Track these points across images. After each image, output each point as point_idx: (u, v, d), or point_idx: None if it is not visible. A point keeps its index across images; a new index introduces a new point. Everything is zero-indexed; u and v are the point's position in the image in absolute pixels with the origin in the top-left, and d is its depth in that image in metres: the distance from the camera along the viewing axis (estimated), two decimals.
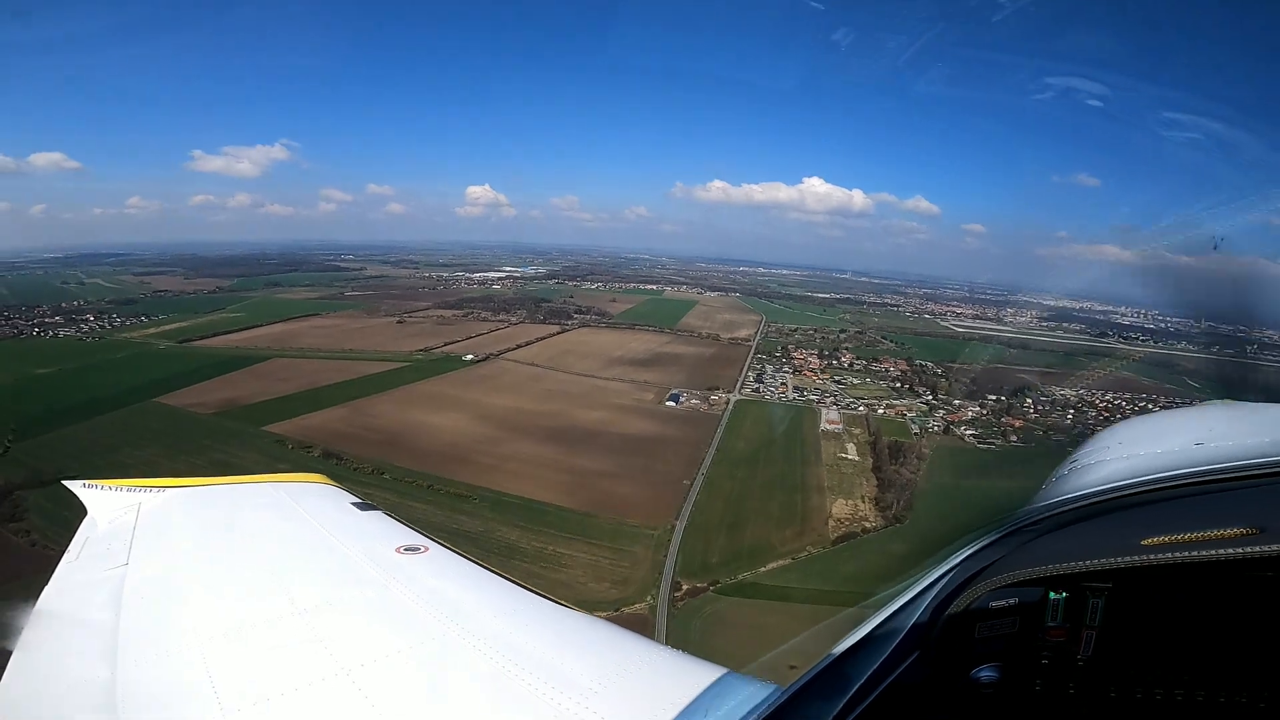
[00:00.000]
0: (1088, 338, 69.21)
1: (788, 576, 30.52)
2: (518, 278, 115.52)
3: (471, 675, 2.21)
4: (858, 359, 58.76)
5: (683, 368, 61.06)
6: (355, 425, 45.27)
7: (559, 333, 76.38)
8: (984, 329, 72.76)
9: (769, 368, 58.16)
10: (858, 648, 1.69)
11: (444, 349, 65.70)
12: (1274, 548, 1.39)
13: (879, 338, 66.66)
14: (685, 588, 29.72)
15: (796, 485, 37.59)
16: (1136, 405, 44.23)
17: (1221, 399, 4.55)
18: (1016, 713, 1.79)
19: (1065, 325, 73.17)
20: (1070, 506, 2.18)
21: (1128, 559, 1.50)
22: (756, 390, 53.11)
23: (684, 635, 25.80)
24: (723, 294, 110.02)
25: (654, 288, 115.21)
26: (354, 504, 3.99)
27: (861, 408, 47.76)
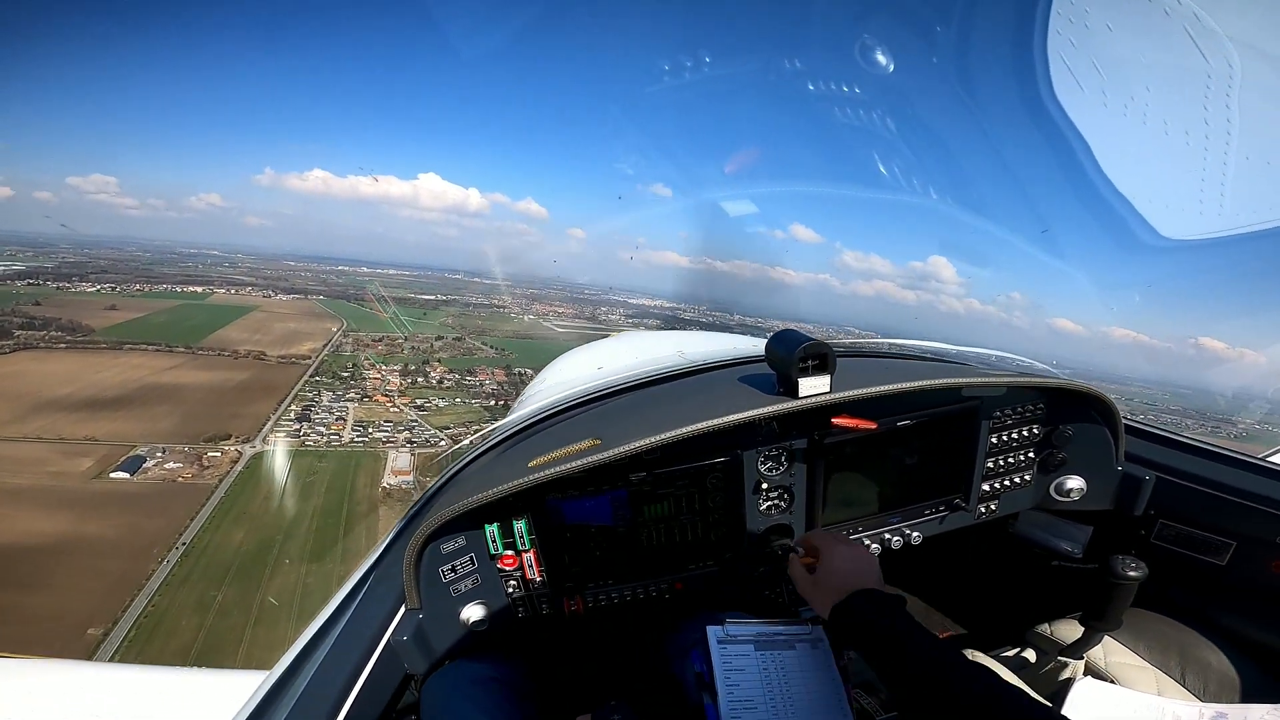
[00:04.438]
0: None
1: None
2: None
3: None
4: (450, 371, 47.10)
5: (178, 408, 38.82)
6: None
7: None
8: (581, 328, 71.64)
9: (327, 395, 41.37)
10: (338, 617, 1.56)
11: None
12: (608, 455, 1.48)
13: (479, 344, 56.70)
14: None
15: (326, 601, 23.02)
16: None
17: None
18: (513, 645, 1.83)
19: (646, 322, 78.21)
20: (496, 440, 2.25)
21: (518, 481, 1.51)
22: (297, 433, 35.89)
23: None
24: (301, 297, 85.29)
25: (197, 290, 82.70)
26: None
27: (444, 441, 35.99)
